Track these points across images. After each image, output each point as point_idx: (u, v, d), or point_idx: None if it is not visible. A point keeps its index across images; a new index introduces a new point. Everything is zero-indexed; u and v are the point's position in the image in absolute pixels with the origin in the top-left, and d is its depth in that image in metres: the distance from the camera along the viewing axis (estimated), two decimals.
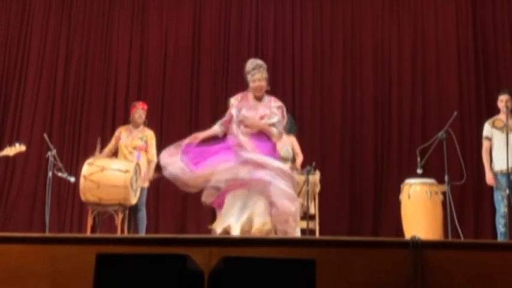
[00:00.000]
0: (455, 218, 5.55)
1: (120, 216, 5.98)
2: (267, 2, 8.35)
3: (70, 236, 4.12)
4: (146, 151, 6.45)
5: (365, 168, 7.78)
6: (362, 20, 8.19)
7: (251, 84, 4.94)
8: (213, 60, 8.24)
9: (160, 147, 6.62)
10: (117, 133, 6.56)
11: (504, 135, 5.60)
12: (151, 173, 6.43)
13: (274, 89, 7.85)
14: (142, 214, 6.40)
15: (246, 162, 4.57)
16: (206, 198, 4.74)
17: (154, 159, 6.38)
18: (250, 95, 4.97)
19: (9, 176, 8.03)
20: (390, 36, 8.11)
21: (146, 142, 6.45)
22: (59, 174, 6.12)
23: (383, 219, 7.52)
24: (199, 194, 7.66)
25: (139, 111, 6.51)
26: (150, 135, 6.52)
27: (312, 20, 8.26)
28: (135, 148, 6.39)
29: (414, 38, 8.06)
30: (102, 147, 6.42)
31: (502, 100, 5.79)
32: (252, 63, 5.05)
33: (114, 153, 6.50)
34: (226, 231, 4.48)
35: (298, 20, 8.26)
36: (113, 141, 6.52)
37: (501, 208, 5.70)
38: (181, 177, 4.63)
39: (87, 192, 5.88)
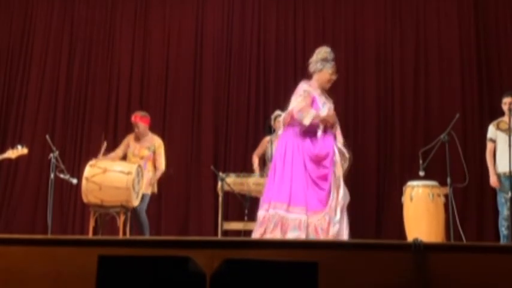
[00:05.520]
0: (458, 221, 5.54)
1: (122, 218, 5.99)
2: (269, 6, 8.36)
3: (72, 238, 4.12)
4: (154, 159, 6.50)
5: (367, 170, 7.77)
6: (364, 24, 8.20)
7: (329, 77, 4.51)
8: (215, 63, 8.24)
9: None
10: (125, 141, 6.59)
11: (508, 137, 5.57)
12: (155, 179, 6.50)
13: (277, 93, 7.89)
14: (144, 218, 6.41)
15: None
16: None
17: (162, 168, 6.52)
18: (315, 85, 4.52)
19: (11, 177, 8.05)
20: (392, 40, 8.11)
21: (154, 152, 6.49)
22: (61, 176, 6.12)
23: (385, 222, 7.51)
24: (200, 195, 7.77)
25: (134, 126, 6.52)
26: (158, 144, 6.55)
27: (314, 23, 8.27)
28: (142, 158, 6.43)
29: (416, 40, 8.06)
30: (107, 150, 6.42)
31: (506, 103, 5.78)
32: (331, 53, 4.58)
33: (122, 159, 6.51)
34: None
35: (300, 23, 8.27)
36: (121, 147, 6.54)
37: (504, 211, 5.70)
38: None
39: (89, 194, 5.89)
